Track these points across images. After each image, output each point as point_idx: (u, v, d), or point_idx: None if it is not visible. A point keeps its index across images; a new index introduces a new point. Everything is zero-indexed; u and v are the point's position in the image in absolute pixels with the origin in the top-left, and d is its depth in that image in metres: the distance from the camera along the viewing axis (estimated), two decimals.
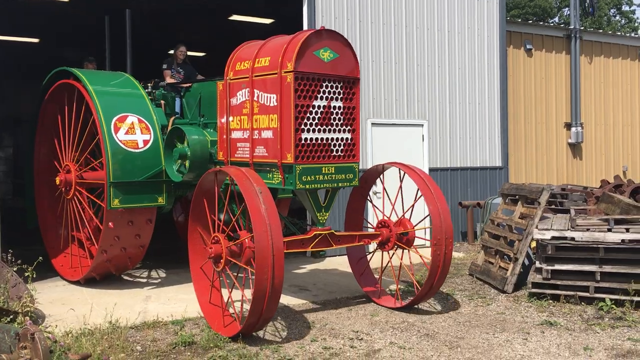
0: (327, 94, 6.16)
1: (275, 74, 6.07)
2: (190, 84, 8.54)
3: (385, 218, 6.90)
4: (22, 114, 17.79)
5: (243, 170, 5.81)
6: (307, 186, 6.05)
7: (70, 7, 12.95)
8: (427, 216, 7.38)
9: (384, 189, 7.17)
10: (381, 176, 7.28)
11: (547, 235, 7.04)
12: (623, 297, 6.71)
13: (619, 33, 33.45)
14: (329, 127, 6.19)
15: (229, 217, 6.04)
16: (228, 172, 5.87)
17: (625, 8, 41.70)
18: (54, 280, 8.12)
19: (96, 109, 7.41)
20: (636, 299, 6.64)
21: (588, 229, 7.01)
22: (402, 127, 10.97)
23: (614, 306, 6.67)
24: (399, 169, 6.97)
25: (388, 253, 6.97)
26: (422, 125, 11.21)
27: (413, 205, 6.95)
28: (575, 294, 6.92)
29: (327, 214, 6.40)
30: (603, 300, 6.75)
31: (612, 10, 41.41)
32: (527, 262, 7.83)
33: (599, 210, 8.05)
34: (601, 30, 15.97)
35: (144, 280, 8.23)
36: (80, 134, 7.90)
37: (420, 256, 6.86)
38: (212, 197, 6.12)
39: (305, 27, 10.23)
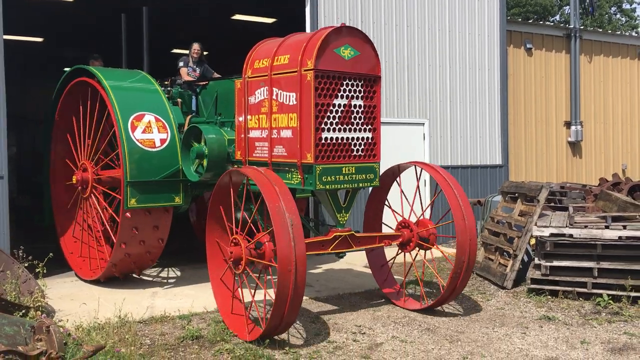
0: (347, 93, 6.04)
1: (295, 72, 5.94)
2: (206, 82, 8.49)
3: (405, 218, 6.81)
4: (27, 113, 17.94)
5: (262, 170, 5.69)
6: (327, 187, 5.93)
7: (72, 7, 13.10)
8: (446, 213, 7.48)
9: (401, 189, 7.05)
10: (399, 176, 7.15)
11: (546, 232, 7.19)
12: (620, 293, 6.85)
13: (620, 32, 33.56)
14: (350, 126, 6.06)
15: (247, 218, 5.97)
16: (246, 174, 5.75)
17: (626, 6, 41.80)
18: (62, 277, 8.27)
19: (113, 108, 7.36)
20: (633, 294, 6.79)
21: (586, 226, 7.16)
22: (404, 125, 11.10)
23: (611, 302, 6.82)
24: (416, 168, 6.86)
25: (410, 254, 6.87)
26: (423, 124, 11.35)
27: (432, 204, 6.92)
28: (573, 289, 7.07)
29: (347, 215, 6.27)
30: (600, 295, 6.90)
31: (612, 9, 41.51)
32: (526, 259, 7.97)
33: (597, 208, 8.19)
34: (601, 30, 16.08)
35: (151, 278, 8.33)
36: (96, 133, 7.87)
37: (446, 257, 6.93)
38: (230, 198, 6.02)
39: (307, 27, 10.38)
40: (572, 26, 14.14)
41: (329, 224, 7.24)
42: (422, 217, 6.83)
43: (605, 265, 6.97)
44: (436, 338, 5.82)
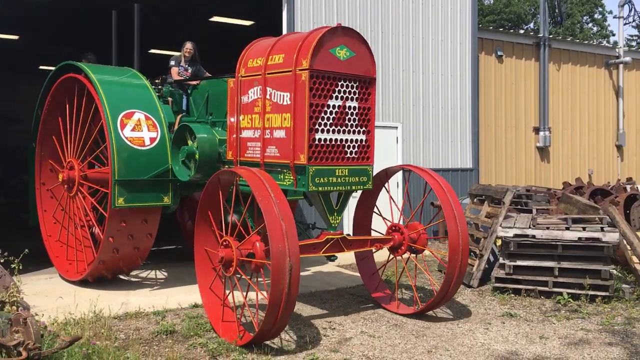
0: (342, 94, 5.94)
1: (290, 71, 5.82)
2: (197, 82, 8.45)
3: (396, 222, 6.77)
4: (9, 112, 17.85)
5: (255, 171, 5.56)
6: (320, 188, 5.81)
7: (53, 4, 13.10)
8: (436, 215, 7.50)
9: (387, 192, 7.02)
10: (389, 179, 7.09)
11: (510, 233, 7.48)
12: (579, 292, 7.17)
13: (589, 41, 34.37)
14: (344, 127, 5.96)
15: (238, 220, 5.89)
16: (239, 173, 5.63)
17: (597, 16, 42.81)
18: (37, 274, 8.33)
19: (102, 105, 7.24)
20: (591, 293, 7.11)
21: (548, 228, 7.47)
22: (378, 129, 11.27)
23: (570, 300, 7.13)
24: (404, 171, 6.91)
25: (402, 257, 6.81)
26: (397, 127, 11.63)
27: (421, 207, 6.87)
28: (535, 288, 7.37)
29: (339, 217, 6.17)
30: (561, 294, 7.21)
31: (585, 18, 42.50)
32: (492, 259, 8.27)
33: (559, 210, 8.53)
34: (569, 39, 16.58)
35: (126, 277, 8.37)
36: (83, 130, 7.77)
37: (439, 259, 7.07)
38: (222, 199, 5.89)
39: (284, 31, 10.58)
40: (541, 35, 14.58)
41: (318, 227, 7.14)
42: (411, 220, 6.78)
43: (565, 265, 7.28)
44: (403, 333, 6.05)
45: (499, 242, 8.22)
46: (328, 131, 5.86)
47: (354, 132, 6.06)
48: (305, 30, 10.50)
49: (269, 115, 6.12)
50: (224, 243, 5.58)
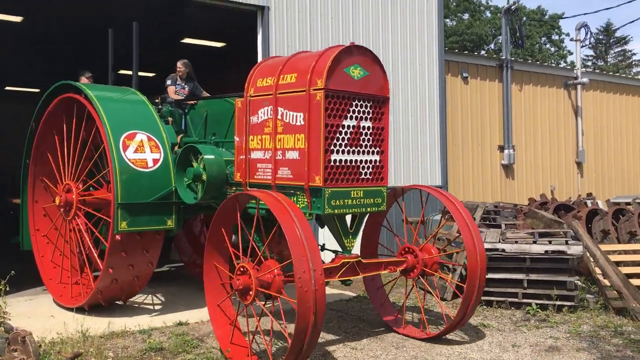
0: (356, 114, 5.82)
1: (304, 91, 5.69)
2: (195, 101, 8.32)
3: (409, 244, 6.64)
4: None
5: (275, 195, 5.38)
6: (336, 211, 5.65)
7: (26, 25, 13.15)
8: (455, 238, 7.64)
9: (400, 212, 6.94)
10: (401, 200, 6.97)
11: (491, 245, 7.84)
12: (547, 302, 7.56)
13: (548, 62, 35.63)
14: (358, 148, 5.84)
15: (247, 244, 5.61)
16: (260, 198, 5.40)
17: (555, 37, 44.48)
18: (16, 296, 8.30)
19: (104, 126, 7.01)
20: (558, 303, 7.51)
21: (516, 242, 7.87)
22: None
23: (539, 310, 7.51)
24: (422, 192, 6.77)
25: (413, 280, 6.68)
26: None
27: (437, 231, 6.92)
28: (505, 299, 7.74)
29: (354, 240, 6.01)
30: (530, 304, 7.59)
31: (542, 39, 44.10)
32: (464, 272, 8.60)
33: (526, 225, 8.95)
34: (530, 61, 17.34)
35: (137, 305, 8.12)
36: (82, 152, 7.59)
37: (453, 287, 7.16)
38: (235, 223, 5.72)
39: (259, 55, 10.86)
40: (504, 57, 15.22)
41: (328, 249, 6.77)
42: (427, 243, 6.66)
43: (533, 277, 7.67)
44: (383, 345, 6.30)
45: None
46: (343, 152, 5.73)
47: (368, 152, 5.94)
48: (279, 53, 10.83)
49: (281, 136, 5.95)
50: (241, 269, 5.36)
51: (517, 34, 15.66)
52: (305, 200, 5.70)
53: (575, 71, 16.95)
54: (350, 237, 5.99)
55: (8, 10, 12.22)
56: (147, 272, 7.39)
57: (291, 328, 6.44)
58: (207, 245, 5.89)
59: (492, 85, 15.06)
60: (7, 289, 6.35)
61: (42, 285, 8.94)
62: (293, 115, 5.81)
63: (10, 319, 6.43)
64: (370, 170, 5.97)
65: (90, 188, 7.86)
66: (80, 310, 7.41)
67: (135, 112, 7.52)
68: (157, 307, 7.80)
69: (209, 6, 10.65)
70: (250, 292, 5.23)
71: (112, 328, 6.70)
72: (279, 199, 5.24)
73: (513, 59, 15.97)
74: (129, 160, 6.94)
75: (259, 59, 10.93)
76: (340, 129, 5.71)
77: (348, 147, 5.77)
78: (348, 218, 6.03)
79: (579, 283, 7.93)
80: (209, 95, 8.86)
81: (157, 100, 8.48)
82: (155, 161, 7.11)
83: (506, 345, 6.31)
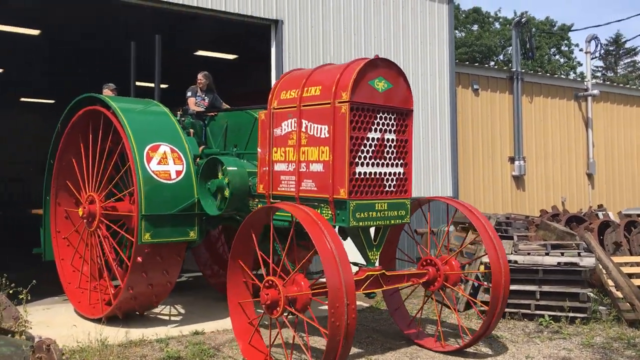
0: (381, 126, 5.85)
1: (328, 104, 5.73)
2: (215, 113, 8.40)
3: (431, 256, 6.67)
4: None
5: (304, 208, 5.46)
6: (361, 223, 5.67)
7: (40, 39, 13.40)
8: (479, 257, 7.59)
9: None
10: (424, 211, 7.02)
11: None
12: (559, 314, 7.60)
13: (558, 72, 35.63)
14: (383, 160, 5.87)
15: (275, 258, 5.69)
16: (289, 211, 5.46)
17: (564, 48, 44.55)
18: (34, 305, 8.42)
19: (128, 138, 7.06)
20: (571, 315, 7.55)
21: (529, 253, 7.92)
22: None
23: (552, 322, 7.55)
24: (449, 205, 6.88)
25: (432, 294, 6.78)
26: None
27: (463, 246, 7.03)
28: (518, 311, 7.78)
29: (378, 253, 6.03)
30: (542, 316, 7.63)
31: (552, 50, 44.18)
32: (476, 284, 8.66)
33: (538, 237, 9.00)
34: (540, 72, 17.42)
35: (153, 315, 8.23)
36: (106, 163, 7.66)
37: (464, 294, 7.16)
38: (260, 236, 5.81)
39: (273, 67, 11.00)
40: (514, 69, 15.31)
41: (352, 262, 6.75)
42: (448, 255, 6.69)
43: (546, 288, 7.71)
44: (397, 355, 6.37)
45: (481, 268, 8.63)
46: (367, 164, 5.75)
47: (392, 165, 5.96)
48: (292, 66, 10.97)
49: (305, 148, 5.98)
50: (269, 283, 5.41)
51: (528, 46, 15.73)
52: (330, 212, 5.71)
53: (585, 83, 16.99)
54: (374, 249, 5.99)
55: (27, 24, 12.49)
56: (164, 290, 7.46)
57: (313, 341, 6.57)
58: (230, 259, 5.96)
59: (503, 97, 15.14)
60: (29, 297, 6.47)
61: (59, 294, 9.09)
62: (317, 127, 5.86)
63: (31, 328, 6.57)
64: (394, 182, 6.00)
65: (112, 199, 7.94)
66: (100, 320, 7.49)
67: (159, 123, 7.58)
68: (173, 317, 7.90)
69: (224, 20, 10.82)
70: (278, 308, 5.28)
71: (130, 337, 6.80)
72: (309, 214, 5.26)
73: (523, 70, 16.05)
74: (153, 172, 6.97)
75: (273, 72, 11.09)
76: (365, 141, 5.73)
77: (372, 160, 5.79)
78: (371, 230, 6.04)
79: (592, 295, 7.97)
80: (228, 107, 8.92)
81: (178, 112, 8.55)
82: (178, 173, 7.15)
83: (520, 356, 6.36)
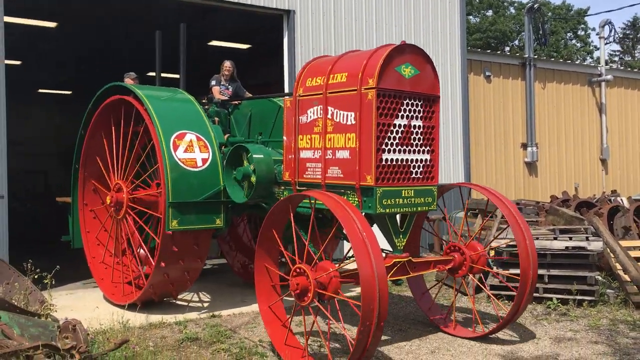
0: (407, 112, 5.80)
1: (355, 90, 5.69)
2: (239, 102, 8.50)
3: (455, 242, 6.64)
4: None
5: (334, 196, 5.37)
6: (387, 210, 5.63)
7: (56, 32, 13.68)
8: (499, 233, 7.63)
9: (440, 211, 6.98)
10: (444, 198, 6.94)
11: (503, 243, 8.06)
12: (567, 297, 7.75)
13: (574, 57, 35.26)
14: (409, 147, 5.83)
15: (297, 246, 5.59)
16: (319, 199, 5.43)
17: (580, 32, 44.06)
18: (58, 290, 8.74)
19: (155, 127, 7.14)
20: (578, 297, 7.69)
21: (537, 238, 8.05)
22: None
23: (559, 304, 7.70)
24: (461, 189, 6.89)
25: (463, 279, 6.82)
26: None
27: (497, 233, 7.00)
28: (470, 292, 7.90)
29: (404, 239, 5.98)
30: (550, 299, 7.79)
31: (569, 34, 43.72)
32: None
33: (547, 222, 9.13)
34: (553, 59, 17.37)
35: (185, 303, 8.31)
36: (131, 152, 7.77)
37: (474, 279, 7.10)
38: (303, 226, 5.75)
39: (285, 57, 11.18)
40: (527, 55, 15.32)
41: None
42: (470, 240, 6.67)
43: (554, 272, 7.86)
44: (407, 337, 6.58)
45: (491, 252, 8.78)
46: (394, 151, 5.72)
47: (418, 151, 5.93)
48: (304, 56, 11.15)
49: (331, 136, 5.96)
50: (298, 271, 5.34)
51: (541, 32, 15.72)
52: (356, 199, 5.70)
53: (599, 68, 16.94)
54: (401, 236, 5.97)
55: (43, 17, 12.76)
56: (197, 266, 7.52)
57: (339, 328, 6.54)
58: (257, 247, 5.91)
59: (515, 83, 15.17)
60: (53, 282, 6.77)
61: (81, 280, 9.43)
62: (344, 114, 5.83)
63: (56, 311, 6.88)
64: (421, 169, 5.97)
65: (138, 188, 8.02)
66: (122, 306, 7.77)
67: (185, 112, 7.64)
68: (192, 302, 8.17)
69: (237, 11, 11.01)
70: (309, 294, 5.22)
71: (150, 320, 7.10)
72: (338, 201, 5.23)
73: (536, 56, 16.05)
74: (179, 159, 7.06)
75: (285, 61, 11.27)
76: (392, 128, 5.70)
77: (399, 147, 5.76)
78: (397, 217, 6.02)
79: (600, 278, 8.10)
80: (252, 95, 8.99)
81: (204, 101, 8.56)
82: (204, 161, 7.21)
83: (527, 337, 6.54)
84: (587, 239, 7.89)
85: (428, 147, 6.02)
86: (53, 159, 21.93)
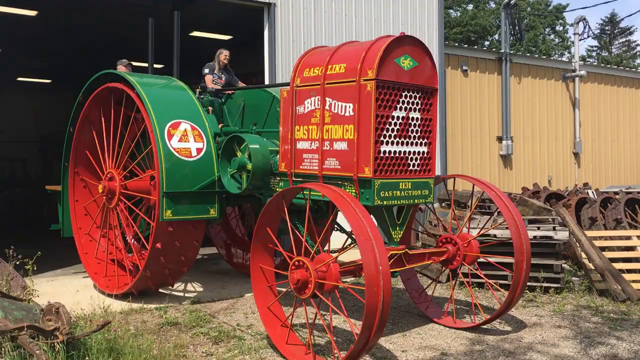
0: (405, 104, 5.78)
1: (353, 81, 5.66)
2: (232, 91, 8.42)
3: (448, 233, 6.69)
4: None
5: (334, 188, 5.36)
6: (385, 202, 5.63)
7: (37, 20, 13.65)
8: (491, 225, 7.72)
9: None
10: (445, 188, 6.92)
11: (474, 233, 8.35)
12: (534, 284, 8.07)
13: (551, 52, 35.80)
14: (407, 139, 5.83)
15: (295, 236, 5.57)
16: (318, 190, 5.42)
17: (559, 28, 44.72)
18: (37, 277, 8.85)
19: (149, 115, 7.03)
20: (545, 285, 8.03)
21: (507, 228, 8.36)
22: None
23: (527, 291, 8.03)
24: (455, 180, 6.98)
25: (458, 270, 6.80)
26: None
27: (487, 223, 7.05)
28: (496, 282, 8.25)
29: (401, 232, 5.98)
30: None
31: (547, 29, 44.33)
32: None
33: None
34: (529, 54, 17.73)
35: (182, 293, 8.37)
36: (122, 141, 7.68)
37: (487, 282, 7.08)
38: (299, 217, 5.79)
39: (266, 49, 11.34)
40: (503, 50, 15.65)
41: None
42: (463, 232, 6.72)
43: (492, 259, 8.13)
44: (415, 333, 6.68)
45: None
46: (392, 143, 5.71)
47: (416, 144, 5.93)
48: (285, 49, 11.32)
49: (329, 127, 5.91)
50: (297, 264, 5.27)
51: (517, 28, 16.07)
52: (354, 191, 5.68)
53: (573, 64, 17.35)
54: (398, 228, 5.95)
55: (24, 5, 12.73)
56: (192, 254, 7.47)
57: (337, 320, 6.70)
58: (252, 247, 5.83)
59: (492, 77, 15.50)
60: (35, 268, 6.91)
61: (62, 267, 9.55)
62: (342, 105, 5.79)
63: (38, 296, 7.02)
64: (419, 161, 5.97)
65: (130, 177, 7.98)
66: (110, 295, 7.88)
67: (179, 100, 7.55)
68: (173, 291, 8.32)
69: (219, 2, 11.12)
70: (309, 285, 5.14)
71: (131, 305, 7.26)
72: (338, 192, 5.20)
73: (512, 52, 16.39)
74: (174, 149, 6.98)
75: (265, 53, 11.42)
76: (390, 120, 5.67)
77: (397, 139, 5.74)
78: (394, 209, 6.02)
79: (566, 266, 8.46)
80: (245, 85, 8.93)
81: (197, 89, 8.52)
82: (198, 150, 7.14)
83: (493, 322, 6.83)
84: (554, 229, 8.22)
85: (425, 140, 6.02)
86: (32, 147, 21.87)
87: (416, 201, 5.95)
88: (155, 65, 18.67)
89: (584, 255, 8.34)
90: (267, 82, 11.23)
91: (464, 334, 6.40)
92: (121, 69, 9.26)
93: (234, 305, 7.44)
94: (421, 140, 5.97)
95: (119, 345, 5.24)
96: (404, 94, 5.77)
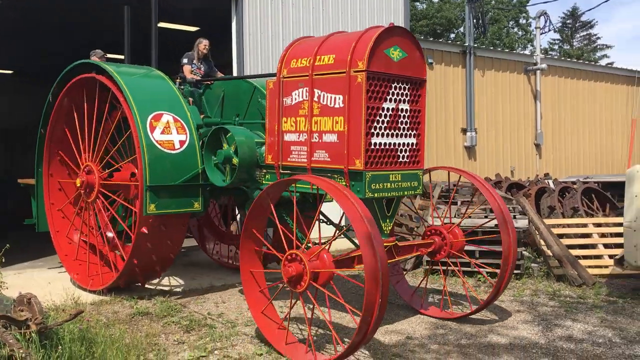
0: (395, 96, 5.71)
1: (343, 73, 5.56)
2: (211, 81, 8.25)
3: (434, 225, 6.70)
4: None
5: (329, 180, 5.32)
6: (376, 194, 5.58)
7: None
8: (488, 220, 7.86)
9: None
10: (431, 181, 6.93)
11: (438, 222, 8.61)
12: (496, 270, 8.34)
13: (515, 45, 36.46)
14: (397, 131, 5.78)
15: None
16: (314, 183, 5.42)
17: (522, 21, 45.60)
18: (6, 270, 8.79)
19: (130, 107, 6.81)
20: None
21: (470, 217, 8.65)
22: None
23: (489, 277, 8.34)
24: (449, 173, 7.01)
25: (441, 263, 6.87)
26: None
27: (467, 212, 7.11)
28: (460, 269, 8.53)
29: (391, 224, 5.94)
30: (481, 273, 8.42)
31: (511, 22, 45.16)
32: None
33: (480, 202, 9.76)
34: (492, 47, 18.12)
35: (153, 287, 8.25)
36: (100, 132, 7.50)
37: (478, 269, 7.52)
38: (287, 210, 5.71)
39: (234, 41, 11.40)
40: (467, 44, 15.98)
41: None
42: (450, 224, 6.76)
43: (485, 248, 8.49)
44: (403, 324, 6.94)
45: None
46: (382, 135, 5.65)
47: (406, 135, 5.89)
48: (252, 41, 11.40)
49: (318, 118, 5.82)
50: (291, 257, 5.17)
51: (480, 22, 16.42)
52: (344, 183, 5.61)
53: (534, 57, 17.82)
54: (388, 220, 5.91)
55: None
56: (169, 258, 7.40)
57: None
58: (241, 249, 5.68)
59: (456, 70, 15.84)
60: (3, 260, 6.87)
61: (30, 260, 9.49)
62: (331, 97, 5.70)
63: (7, 288, 7.00)
64: (408, 153, 5.94)
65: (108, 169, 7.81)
66: (68, 282, 7.99)
67: (160, 92, 7.34)
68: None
69: None
70: (305, 277, 5.05)
71: (102, 297, 7.31)
72: (333, 185, 5.15)
73: (476, 45, 16.75)
74: (157, 141, 6.81)
75: (233, 45, 11.49)
76: (380, 111, 5.61)
77: (387, 130, 5.69)
78: (383, 201, 5.96)
79: (526, 253, 8.79)
80: (224, 75, 8.67)
81: (177, 80, 8.32)
82: (181, 143, 6.99)
83: (455, 307, 7.11)
84: (514, 217, 8.53)
85: (415, 131, 6.00)
86: None
87: (406, 193, 5.94)
88: (121, 57, 18.55)
89: (542, 243, 8.69)
90: (235, 73, 11.30)
91: (429, 319, 6.65)
92: (95, 59, 9.00)
93: (204, 295, 7.55)
94: (410, 131, 5.96)
95: (92, 334, 5.30)
96: (393, 85, 5.71)
